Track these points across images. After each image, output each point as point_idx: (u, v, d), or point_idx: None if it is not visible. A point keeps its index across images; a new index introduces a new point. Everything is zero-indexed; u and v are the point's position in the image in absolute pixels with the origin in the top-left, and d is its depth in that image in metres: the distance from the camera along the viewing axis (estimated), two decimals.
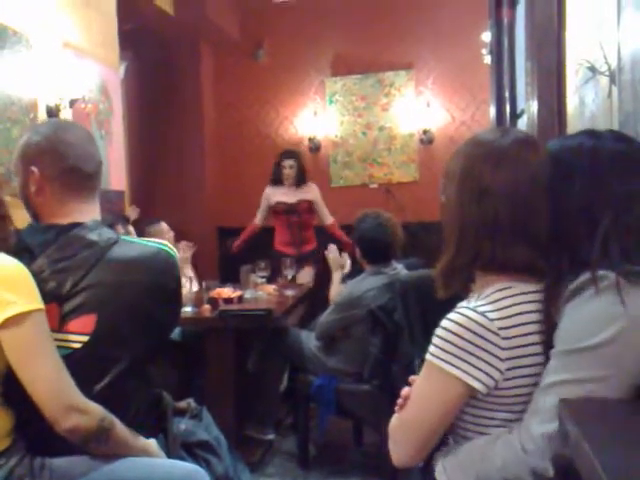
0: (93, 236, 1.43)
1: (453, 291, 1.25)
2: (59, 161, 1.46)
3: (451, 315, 1.15)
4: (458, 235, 1.22)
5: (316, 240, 4.90)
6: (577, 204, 1.13)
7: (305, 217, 4.87)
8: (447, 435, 1.25)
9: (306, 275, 4.60)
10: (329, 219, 4.96)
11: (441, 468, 1.20)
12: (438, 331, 1.15)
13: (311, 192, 4.87)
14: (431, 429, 1.17)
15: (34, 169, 1.46)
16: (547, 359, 1.12)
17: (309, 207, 4.86)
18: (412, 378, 1.23)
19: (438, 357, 1.13)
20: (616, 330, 1.02)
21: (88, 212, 1.50)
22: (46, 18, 3.49)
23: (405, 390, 1.23)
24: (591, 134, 1.21)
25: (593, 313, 1.05)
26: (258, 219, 4.98)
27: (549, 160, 1.21)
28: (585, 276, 1.07)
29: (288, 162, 4.78)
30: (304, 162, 4.95)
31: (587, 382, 1.02)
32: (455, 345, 1.12)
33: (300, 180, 4.81)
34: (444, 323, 1.15)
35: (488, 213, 1.18)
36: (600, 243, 1.09)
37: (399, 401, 1.23)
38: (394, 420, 1.24)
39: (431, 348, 1.15)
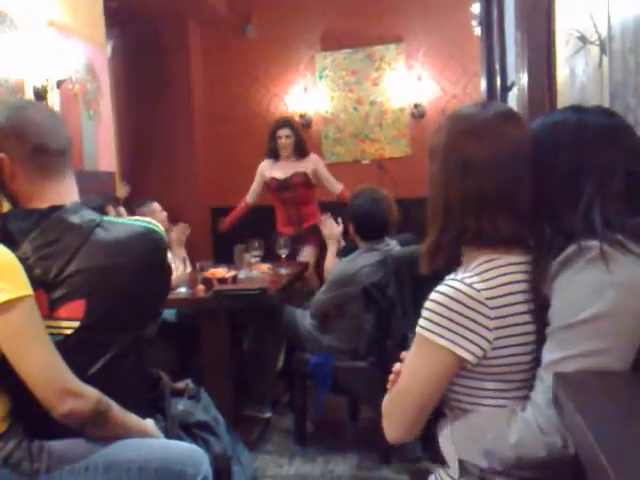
0: (75, 219, 1.41)
1: (436, 267, 1.26)
2: (25, 142, 1.42)
3: (439, 287, 1.16)
4: (444, 211, 1.23)
5: (320, 215, 4.46)
6: (561, 174, 1.15)
7: (300, 192, 4.45)
8: (441, 407, 1.26)
9: (308, 255, 4.29)
10: (338, 187, 4.52)
11: (447, 434, 1.21)
12: (427, 304, 1.16)
13: (308, 164, 4.45)
14: (422, 402, 1.18)
15: (1, 155, 1.41)
16: (537, 329, 1.14)
17: (304, 181, 4.43)
18: (403, 354, 1.24)
19: (427, 329, 1.15)
20: (609, 300, 1.02)
21: (66, 194, 1.47)
22: None
23: (396, 366, 1.24)
24: (576, 109, 1.23)
25: (584, 285, 1.05)
26: (250, 196, 4.62)
27: (534, 134, 1.23)
28: (572, 248, 1.08)
29: (284, 131, 4.40)
30: (301, 132, 4.58)
31: (588, 356, 1.03)
32: (443, 316, 1.13)
33: (299, 152, 4.42)
34: (432, 295, 1.16)
35: (472, 187, 1.18)
36: (583, 211, 1.10)
37: (390, 377, 1.24)
38: (386, 397, 1.25)
39: (420, 321, 1.17)
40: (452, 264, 1.26)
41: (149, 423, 1.47)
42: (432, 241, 1.25)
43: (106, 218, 1.48)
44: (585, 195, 1.11)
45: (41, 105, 1.59)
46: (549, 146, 1.18)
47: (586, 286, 1.05)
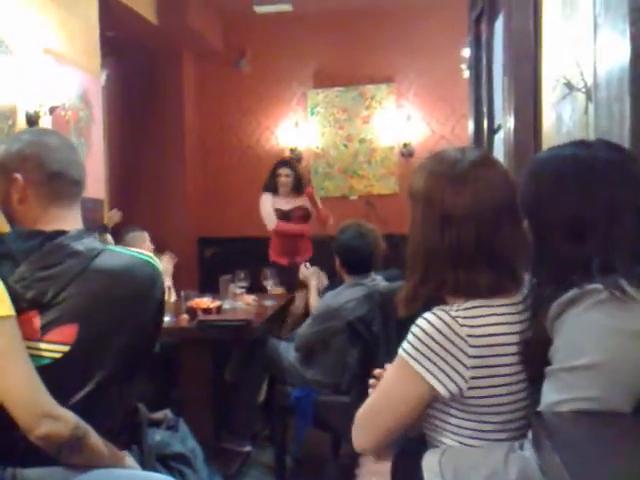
0: (78, 246, 1.40)
1: (414, 311, 1.26)
2: (44, 166, 1.43)
3: (427, 315, 1.18)
4: (423, 263, 1.24)
5: (312, 251, 4.68)
6: (567, 214, 1.12)
7: (299, 225, 4.70)
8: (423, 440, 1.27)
9: (299, 298, 4.16)
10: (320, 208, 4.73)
11: (435, 465, 1.17)
12: (413, 328, 1.18)
13: (305, 199, 4.71)
14: (392, 424, 1.21)
15: (18, 176, 1.42)
16: (524, 373, 1.13)
17: (304, 215, 4.71)
18: (387, 365, 1.27)
19: (408, 353, 1.16)
20: (613, 347, 1.00)
21: (72, 220, 1.48)
22: (26, 24, 3.46)
23: (379, 370, 1.30)
24: (583, 143, 1.20)
25: (589, 328, 1.02)
26: (269, 224, 4.66)
27: (539, 167, 1.22)
28: (575, 291, 1.05)
29: (284, 170, 4.68)
30: (300, 170, 4.87)
31: (585, 401, 1.00)
32: (425, 344, 1.14)
33: (298, 188, 4.69)
34: (419, 321, 1.17)
35: (452, 241, 1.18)
36: (585, 258, 1.08)
37: (372, 381, 1.30)
38: (363, 406, 1.28)
39: (404, 344, 1.18)
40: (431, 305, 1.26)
41: (126, 455, 1.45)
42: (410, 290, 1.26)
43: (109, 247, 1.48)
44: (589, 241, 1.08)
45: (61, 135, 1.62)
46: (555, 180, 1.15)
47: (591, 329, 1.02)
